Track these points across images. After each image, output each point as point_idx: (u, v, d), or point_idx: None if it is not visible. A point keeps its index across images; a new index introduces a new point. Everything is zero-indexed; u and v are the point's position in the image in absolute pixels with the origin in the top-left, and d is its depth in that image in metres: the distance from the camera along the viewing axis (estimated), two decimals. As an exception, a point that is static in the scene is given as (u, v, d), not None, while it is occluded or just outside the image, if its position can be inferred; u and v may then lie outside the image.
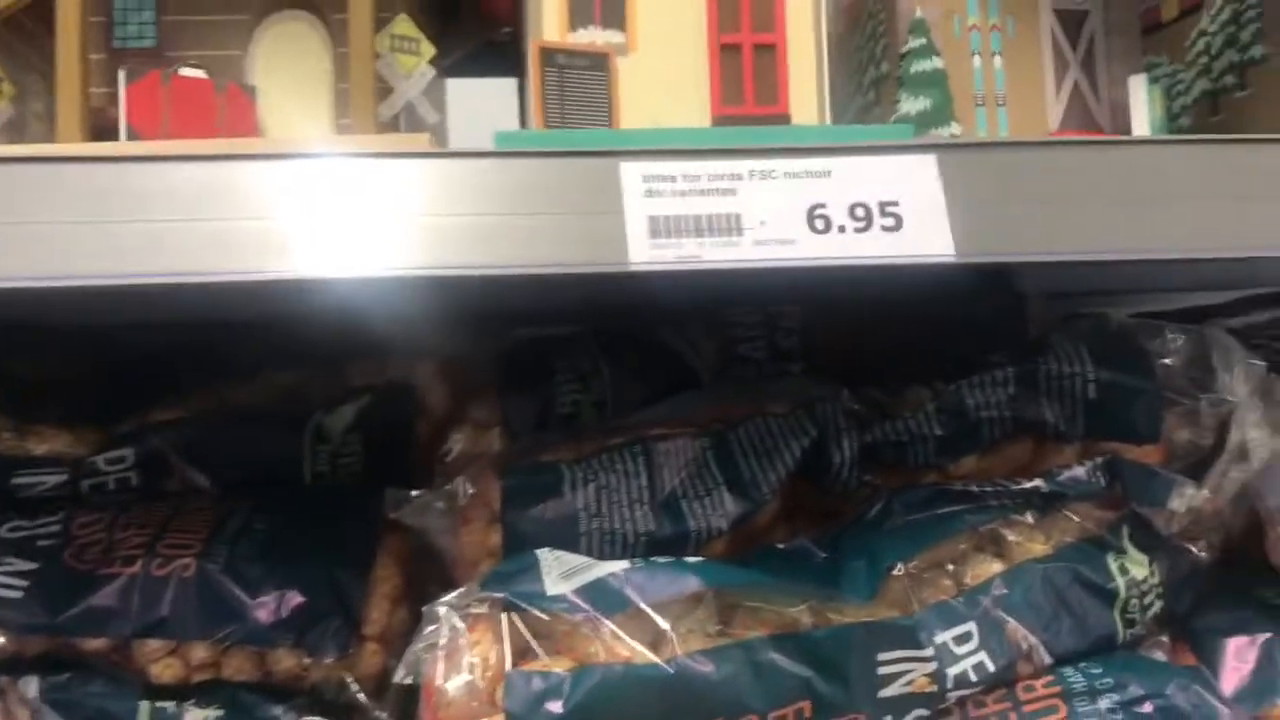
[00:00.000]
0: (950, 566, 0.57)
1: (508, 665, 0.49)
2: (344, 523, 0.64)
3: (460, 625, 0.50)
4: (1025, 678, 0.55)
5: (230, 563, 0.60)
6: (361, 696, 0.60)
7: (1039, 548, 0.58)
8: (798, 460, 0.60)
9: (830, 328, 0.77)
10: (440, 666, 0.49)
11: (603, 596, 0.50)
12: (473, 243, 0.50)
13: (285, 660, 0.59)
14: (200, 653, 0.58)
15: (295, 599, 0.59)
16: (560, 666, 0.49)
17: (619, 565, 0.51)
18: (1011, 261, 0.53)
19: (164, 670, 0.58)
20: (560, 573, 0.51)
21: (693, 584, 0.51)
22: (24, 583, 0.58)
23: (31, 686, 0.56)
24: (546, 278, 0.50)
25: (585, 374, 0.73)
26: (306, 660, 0.59)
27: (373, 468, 0.71)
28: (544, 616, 0.50)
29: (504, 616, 0.50)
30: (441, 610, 0.50)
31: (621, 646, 0.49)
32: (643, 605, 0.50)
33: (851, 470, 0.61)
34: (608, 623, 0.49)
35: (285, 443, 0.68)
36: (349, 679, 0.60)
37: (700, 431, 0.61)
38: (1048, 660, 0.56)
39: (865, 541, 0.58)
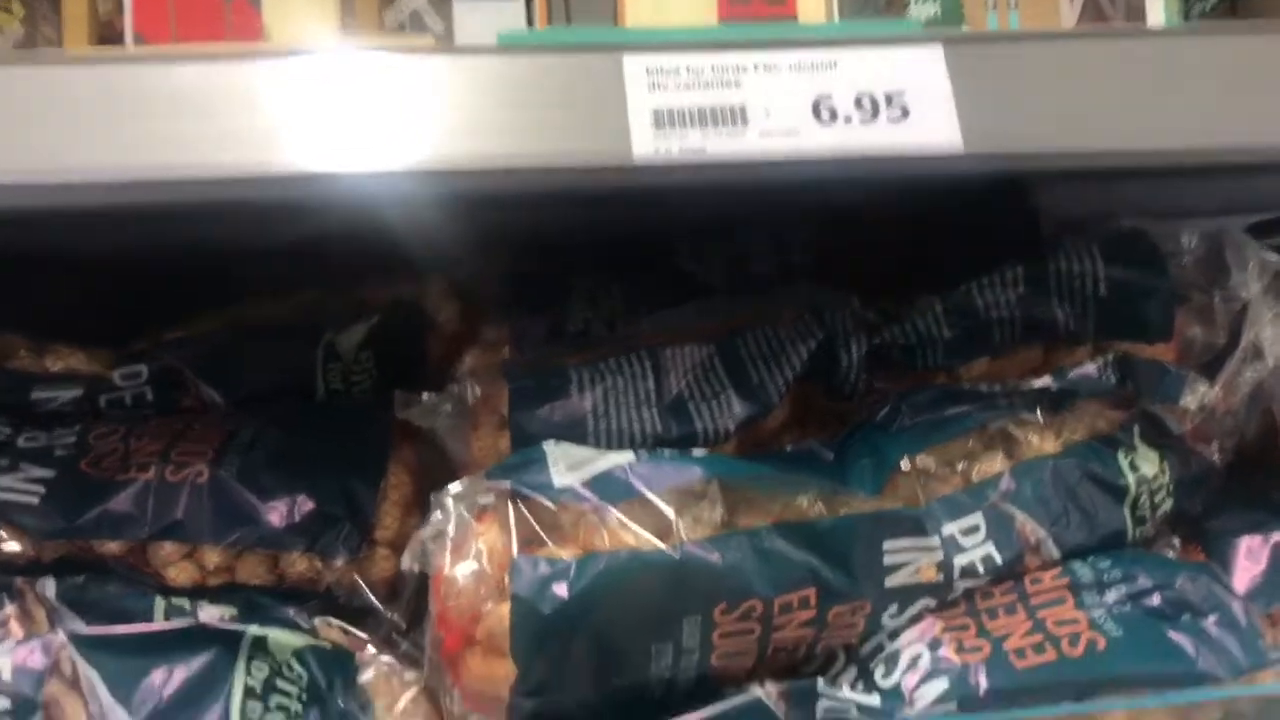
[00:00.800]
0: (959, 464, 0.57)
1: (514, 553, 0.49)
2: (356, 433, 0.64)
3: (467, 514, 0.50)
4: (1033, 571, 0.55)
5: (243, 469, 0.60)
6: (374, 600, 0.60)
7: (1049, 445, 0.58)
8: (805, 363, 0.60)
9: (842, 247, 0.77)
10: (448, 555, 0.50)
11: (609, 486, 0.51)
12: (476, 138, 0.50)
13: (298, 564, 0.60)
14: (214, 557, 0.59)
15: (307, 504, 0.60)
16: (567, 554, 0.49)
17: (625, 456, 0.52)
18: (1020, 154, 0.52)
19: (179, 574, 0.59)
20: (567, 465, 0.51)
21: (697, 474, 0.51)
22: (40, 489, 0.59)
23: (49, 588, 0.57)
24: (550, 171, 0.50)
25: (596, 294, 0.74)
26: (319, 564, 0.60)
27: (385, 386, 0.71)
28: (550, 505, 0.50)
29: (511, 505, 0.50)
30: (449, 499, 0.50)
31: (628, 534, 0.49)
32: (648, 494, 0.50)
33: (860, 373, 0.61)
34: (614, 511, 0.50)
35: (298, 360, 0.69)
36: (361, 583, 0.60)
37: (707, 339, 0.61)
38: (1056, 554, 0.56)
39: (873, 441, 0.58)
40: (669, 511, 0.50)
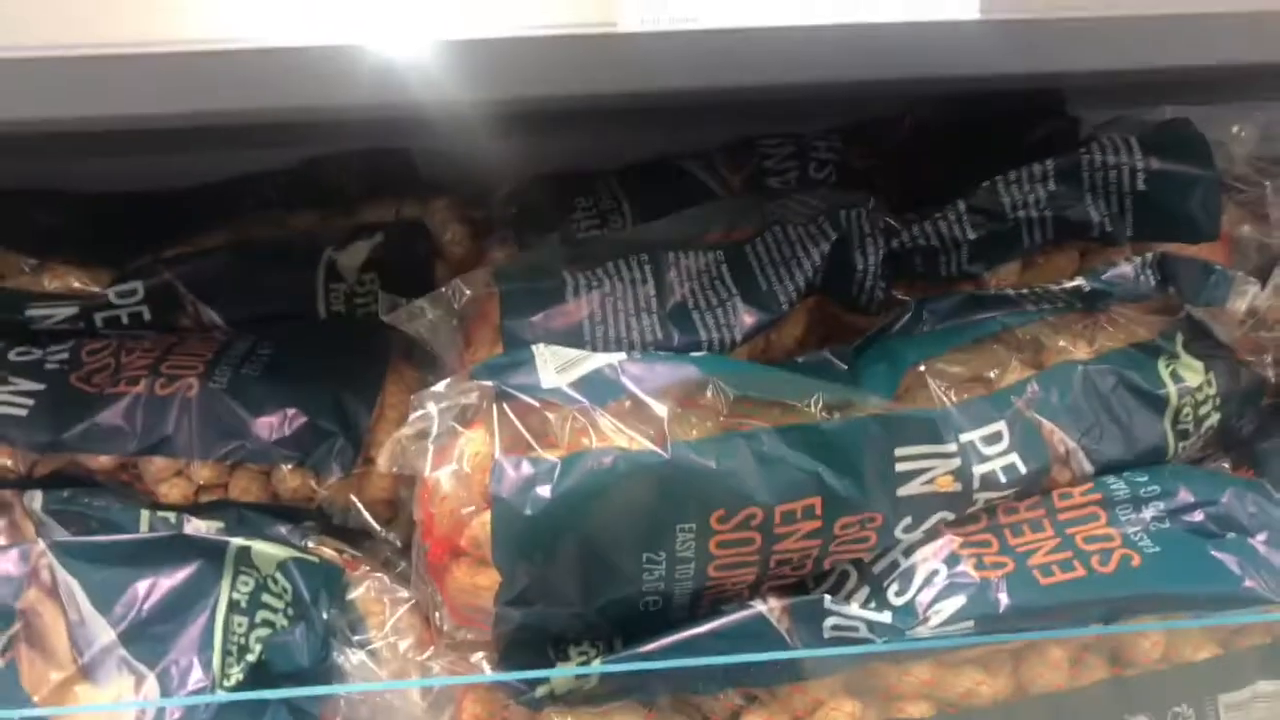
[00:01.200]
0: (981, 369, 0.53)
1: (498, 454, 0.46)
2: (353, 351, 0.62)
3: (451, 416, 0.47)
4: (1062, 485, 0.51)
5: (234, 382, 0.59)
6: (369, 519, 0.58)
7: (1081, 351, 0.53)
8: (817, 268, 0.56)
9: (868, 160, 0.73)
10: (431, 459, 0.47)
11: (598, 386, 0.47)
12: (450, 8, 0.47)
13: (290, 480, 0.58)
14: (206, 472, 0.58)
15: (298, 417, 0.58)
16: (553, 456, 0.46)
17: (616, 356, 0.49)
18: (1040, 20, 0.48)
19: (171, 490, 0.58)
20: (556, 366, 0.48)
21: (693, 374, 0.48)
22: (29, 401, 0.58)
23: (36, 500, 0.56)
24: (531, 42, 0.46)
25: (605, 210, 0.70)
26: (311, 480, 0.58)
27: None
28: (537, 406, 0.47)
29: (495, 406, 0.47)
30: (430, 400, 0.48)
31: (618, 436, 0.46)
32: (640, 394, 0.47)
33: (877, 281, 0.57)
34: (603, 412, 0.47)
35: (299, 280, 0.66)
36: (357, 501, 0.58)
37: (713, 245, 0.58)
38: (1088, 468, 0.52)
39: (889, 346, 0.54)
40: (661, 412, 0.47)
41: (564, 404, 0.47)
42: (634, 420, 0.47)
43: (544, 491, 0.45)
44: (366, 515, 0.58)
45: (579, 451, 0.46)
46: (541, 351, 0.49)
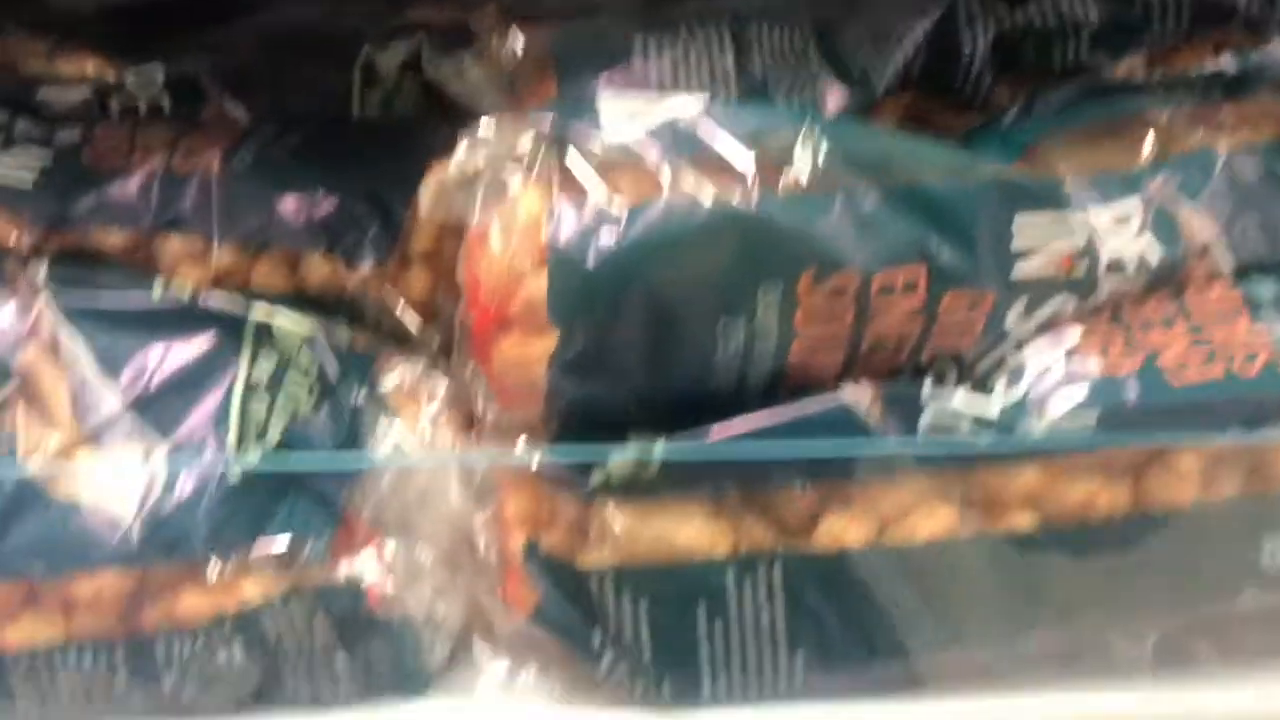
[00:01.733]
0: (1108, 155, 0.46)
1: (556, 203, 0.40)
2: (391, 143, 0.56)
3: (503, 160, 0.42)
4: (1199, 280, 0.45)
5: (260, 162, 0.53)
6: (406, 317, 0.53)
7: (1221, 143, 0.47)
8: (918, 48, 0.50)
9: None
10: (480, 210, 0.42)
11: (675, 134, 0.41)
12: None
13: (319, 267, 0.52)
14: (226, 257, 0.52)
15: (328, 199, 0.52)
16: (620, 204, 0.40)
17: (696, 102, 0.42)
18: None
19: (187, 275, 0.52)
20: (626, 114, 0.42)
21: (786, 122, 0.42)
22: (34, 175, 0.53)
23: (41, 270, 0.51)
24: None
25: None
26: (342, 268, 0.52)
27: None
28: (603, 155, 0.41)
29: (555, 152, 0.41)
30: (479, 141, 0.42)
31: (695, 188, 0.40)
32: (723, 144, 0.41)
33: (985, 68, 0.50)
34: (679, 162, 0.41)
35: (333, 76, 0.61)
36: (392, 295, 0.53)
37: (802, 20, 0.51)
38: (1227, 265, 0.45)
39: (1001, 133, 0.47)
40: (748, 162, 0.40)
41: (635, 153, 0.41)
42: (713, 171, 0.41)
43: (608, 241, 0.39)
44: (402, 307, 0.52)
45: (649, 199, 0.40)
46: (609, 97, 0.43)
